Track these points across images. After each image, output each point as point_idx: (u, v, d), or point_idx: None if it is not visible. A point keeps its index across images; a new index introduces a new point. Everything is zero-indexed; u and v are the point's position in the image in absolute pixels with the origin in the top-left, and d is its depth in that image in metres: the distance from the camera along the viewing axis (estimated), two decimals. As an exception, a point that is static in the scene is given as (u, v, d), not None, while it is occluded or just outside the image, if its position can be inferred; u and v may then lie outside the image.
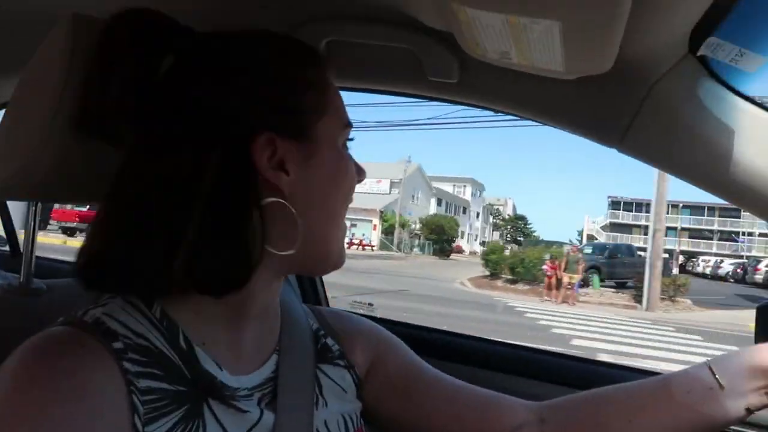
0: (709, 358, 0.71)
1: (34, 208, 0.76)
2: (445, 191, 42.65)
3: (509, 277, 19.78)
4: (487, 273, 21.00)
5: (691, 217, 52.56)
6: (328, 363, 0.73)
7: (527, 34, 0.60)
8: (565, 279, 15.29)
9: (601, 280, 19.55)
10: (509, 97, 0.91)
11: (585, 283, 17.26)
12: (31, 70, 0.68)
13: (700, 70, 0.75)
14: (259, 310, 0.65)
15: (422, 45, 0.83)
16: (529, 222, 61.91)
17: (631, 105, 0.79)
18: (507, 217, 59.28)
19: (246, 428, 0.60)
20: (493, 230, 52.00)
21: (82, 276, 0.58)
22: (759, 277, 27.34)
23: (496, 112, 1.02)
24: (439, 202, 41.50)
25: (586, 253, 19.71)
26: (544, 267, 16.27)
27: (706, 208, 52.56)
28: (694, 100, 0.76)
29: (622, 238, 47.26)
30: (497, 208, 59.27)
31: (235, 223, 0.58)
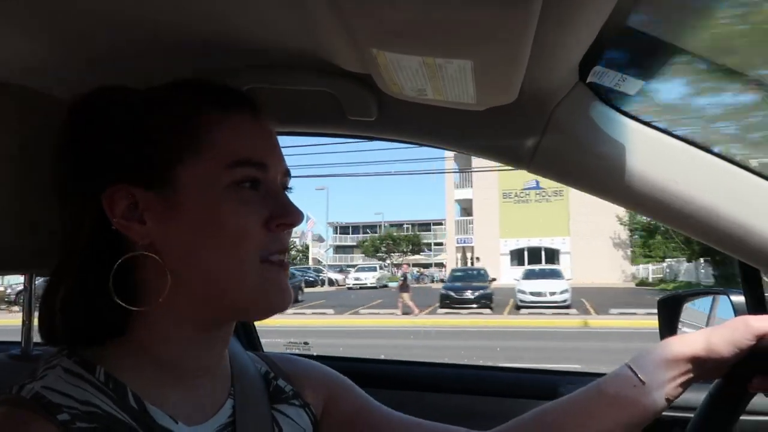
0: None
1: None
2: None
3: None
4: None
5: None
6: (284, 403, 0.73)
7: (442, 72, 0.65)
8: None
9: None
10: (425, 129, 0.97)
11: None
12: None
13: (591, 95, 0.84)
14: (204, 362, 0.64)
15: (341, 87, 0.86)
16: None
17: (535, 130, 0.87)
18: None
19: None
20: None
21: None
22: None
23: (414, 144, 1.07)
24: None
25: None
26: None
27: (405, 226, 59.31)
28: (588, 122, 0.84)
29: (346, 258, 54.38)
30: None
31: (92, 279, 0.59)
